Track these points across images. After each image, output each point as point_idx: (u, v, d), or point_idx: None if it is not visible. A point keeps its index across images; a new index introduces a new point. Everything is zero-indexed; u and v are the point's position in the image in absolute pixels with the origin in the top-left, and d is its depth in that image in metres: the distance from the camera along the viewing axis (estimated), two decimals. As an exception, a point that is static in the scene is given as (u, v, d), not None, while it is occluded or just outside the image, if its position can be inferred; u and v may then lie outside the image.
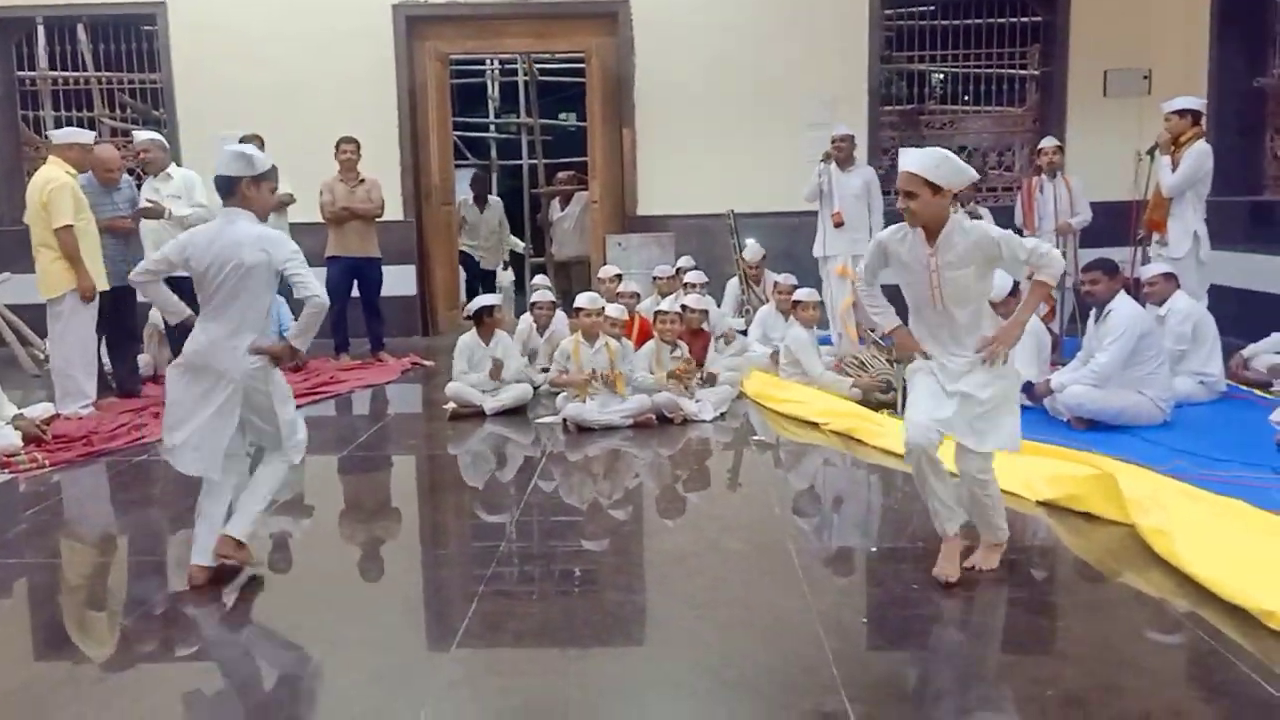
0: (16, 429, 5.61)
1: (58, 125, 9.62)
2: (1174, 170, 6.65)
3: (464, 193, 10.86)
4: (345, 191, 8.19)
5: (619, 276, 7.81)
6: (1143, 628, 3.29)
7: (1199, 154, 6.63)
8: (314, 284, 3.70)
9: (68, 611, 3.73)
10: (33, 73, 9.82)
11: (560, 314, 7.53)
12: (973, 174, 3.56)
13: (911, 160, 3.44)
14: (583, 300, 6.39)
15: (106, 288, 6.49)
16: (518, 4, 9.40)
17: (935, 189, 3.41)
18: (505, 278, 11.43)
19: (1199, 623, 3.20)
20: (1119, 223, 7.58)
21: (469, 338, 6.66)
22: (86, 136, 6.63)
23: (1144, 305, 6.04)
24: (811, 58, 9.28)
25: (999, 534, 3.68)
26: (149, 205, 6.66)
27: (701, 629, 3.24)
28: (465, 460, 5.73)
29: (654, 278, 8.09)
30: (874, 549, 4.07)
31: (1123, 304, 5.59)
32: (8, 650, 3.35)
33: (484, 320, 6.65)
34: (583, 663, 3.04)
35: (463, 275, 10.49)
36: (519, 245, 11.71)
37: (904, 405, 6.09)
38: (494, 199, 11.27)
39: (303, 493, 5.29)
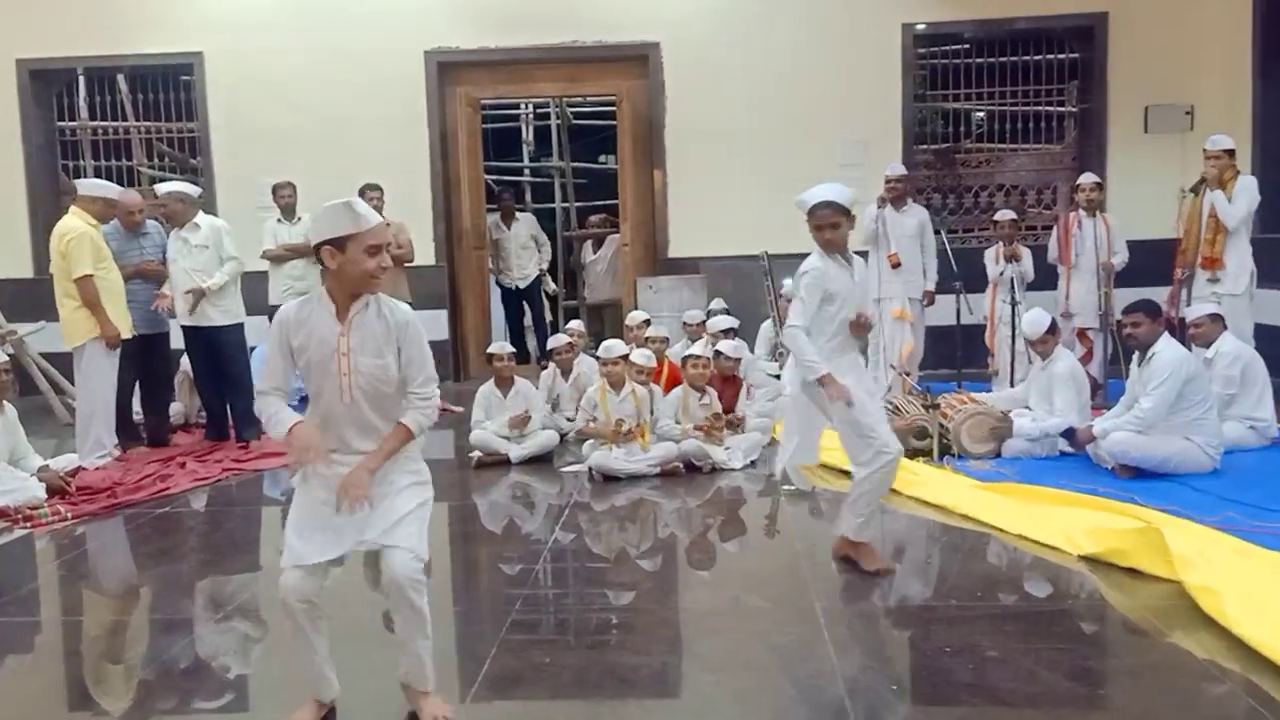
0: (41, 480, 5.60)
1: (98, 175, 9.78)
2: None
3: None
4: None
5: (647, 322, 7.70)
6: (1191, 695, 3.08)
7: (1251, 186, 6.72)
8: None
9: (85, 667, 3.67)
10: (73, 123, 10.00)
11: (586, 357, 7.43)
12: (356, 220, 2.79)
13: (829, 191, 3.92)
14: (601, 350, 6.31)
15: (129, 335, 6.50)
16: (548, 48, 9.41)
17: (316, 249, 2.84)
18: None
19: (1252, 690, 3.01)
20: (1162, 261, 7.37)
21: (487, 388, 6.63)
22: (112, 191, 6.60)
23: (1189, 347, 5.84)
24: (844, 97, 9.19)
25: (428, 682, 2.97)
26: (192, 291, 6.74)
27: (717, 694, 3.09)
28: (488, 509, 5.63)
29: (683, 323, 7.97)
30: (905, 608, 3.89)
31: (1167, 346, 5.39)
32: (26, 707, 3.30)
33: (495, 367, 6.62)
34: (594, 730, 2.91)
35: (500, 315, 10.41)
36: (550, 286, 11.46)
37: (940, 453, 5.98)
38: (524, 215, 10.77)
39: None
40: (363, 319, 2.85)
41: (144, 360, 6.86)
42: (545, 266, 10.64)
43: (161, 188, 6.94)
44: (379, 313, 2.87)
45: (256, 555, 5.01)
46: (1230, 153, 6.77)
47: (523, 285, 10.41)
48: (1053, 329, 6.08)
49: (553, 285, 11.48)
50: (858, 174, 8.16)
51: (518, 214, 10.60)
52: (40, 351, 8.22)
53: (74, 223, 6.33)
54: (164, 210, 6.90)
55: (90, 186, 6.55)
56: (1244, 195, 6.63)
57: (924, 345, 7.75)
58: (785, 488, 5.27)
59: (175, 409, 7.56)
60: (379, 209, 8.18)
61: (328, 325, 2.85)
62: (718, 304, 8.45)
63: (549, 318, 11.06)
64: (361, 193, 8.15)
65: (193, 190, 6.92)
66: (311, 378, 2.89)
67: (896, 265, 7.44)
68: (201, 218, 6.81)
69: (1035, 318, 6.08)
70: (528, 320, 10.75)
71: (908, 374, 7.30)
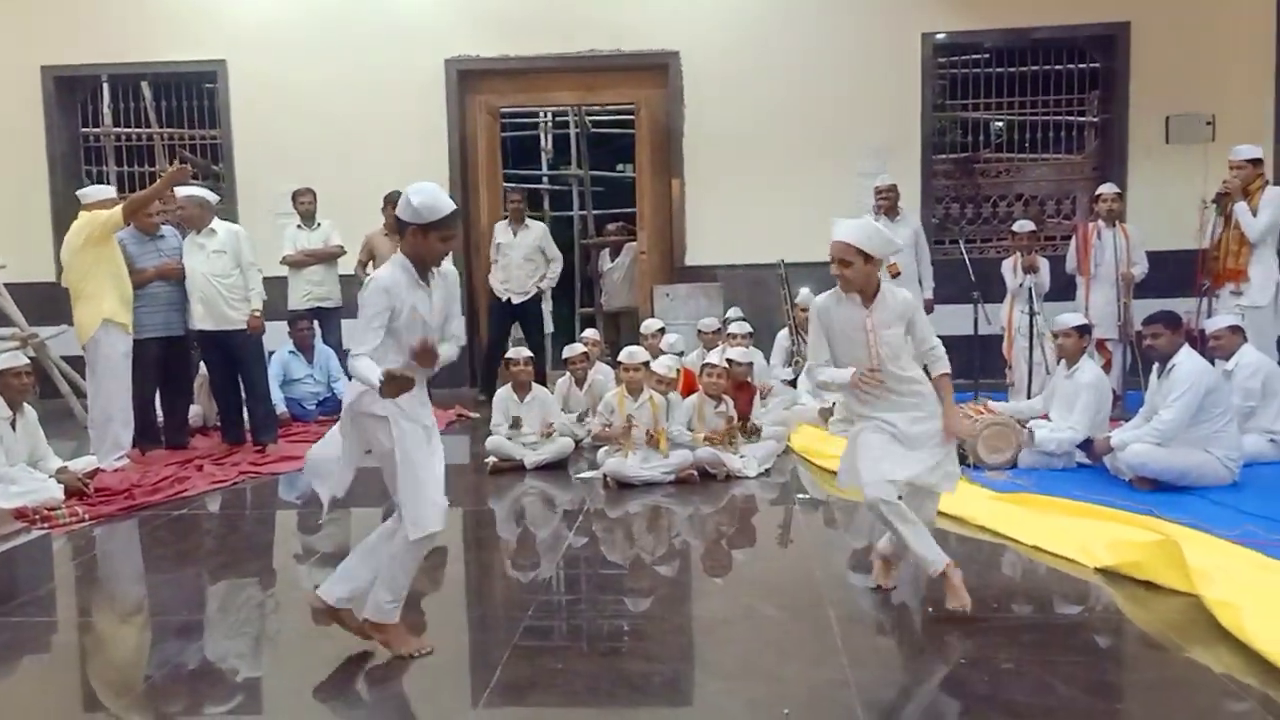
0: (60, 482, 5.63)
1: (120, 180, 9.87)
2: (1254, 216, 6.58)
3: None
4: (390, 247, 8.19)
5: (662, 330, 7.68)
6: (1208, 710, 3.05)
7: (1276, 198, 6.64)
8: None
9: (100, 668, 3.71)
10: (97, 129, 10.09)
11: (602, 365, 7.43)
12: (898, 245, 4.04)
13: (846, 231, 3.70)
14: (624, 355, 6.31)
15: (134, 335, 6.54)
16: (568, 57, 9.45)
17: (867, 258, 3.70)
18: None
19: (1270, 705, 2.97)
20: (1184, 273, 7.32)
21: (504, 392, 6.61)
22: (110, 192, 6.78)
23: (1210, 359, 5.79)
24: (863, 107, 9.19)
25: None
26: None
27: (729, 704, 3.08)
28: (503, 515, 5.64)
29: (698, 331, 7.96)
30: (920, 618, 3.87)
31: (1187, 358, 5.34)
32: (42, 707, 3.32)
33: (511, 371, 6.61)
34: (604, 738, 2.90)
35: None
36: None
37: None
38: (535, 224, 9.13)
39: (347, 545, 5.24)
40: (881, 301, 3.76)
41: (164, 364, 6.90)
42: (546, 286, 8.96)
43: (181, 191, 6.98)
44: (888, 299, 3.78)
45: (270, 558, 5.03)
46: (1255, 162, 6.71)
47: (517, 300, 8.81)
48: (1082, 332, 6.05)
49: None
50: (875, 184, 8.15)
51: (529, 221, 9.07)
52: (61, 355, 8.30)
53: (86, 217, 6.48)
54: (181, 214, 6.95)
55: (90, 193, 6.68)
56: (1268, 207, 6.56)
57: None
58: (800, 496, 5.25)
59: (194, 412, 7.59)
60: (399, 218, 8.17)
61: (856, 310, 3.76)
62: (734, 312, 8.44)
63: (549, 330, 9.37)
64: (385, 201, 8.18)
65: (211, 196, 6.98)
66: (838, 345, 3.82)
67: (897, 274, 7.44)
68: (218, 223, 6.84)
69: (1070, 316, 6.13)
70: (515, 338, 8.96)
71: None
